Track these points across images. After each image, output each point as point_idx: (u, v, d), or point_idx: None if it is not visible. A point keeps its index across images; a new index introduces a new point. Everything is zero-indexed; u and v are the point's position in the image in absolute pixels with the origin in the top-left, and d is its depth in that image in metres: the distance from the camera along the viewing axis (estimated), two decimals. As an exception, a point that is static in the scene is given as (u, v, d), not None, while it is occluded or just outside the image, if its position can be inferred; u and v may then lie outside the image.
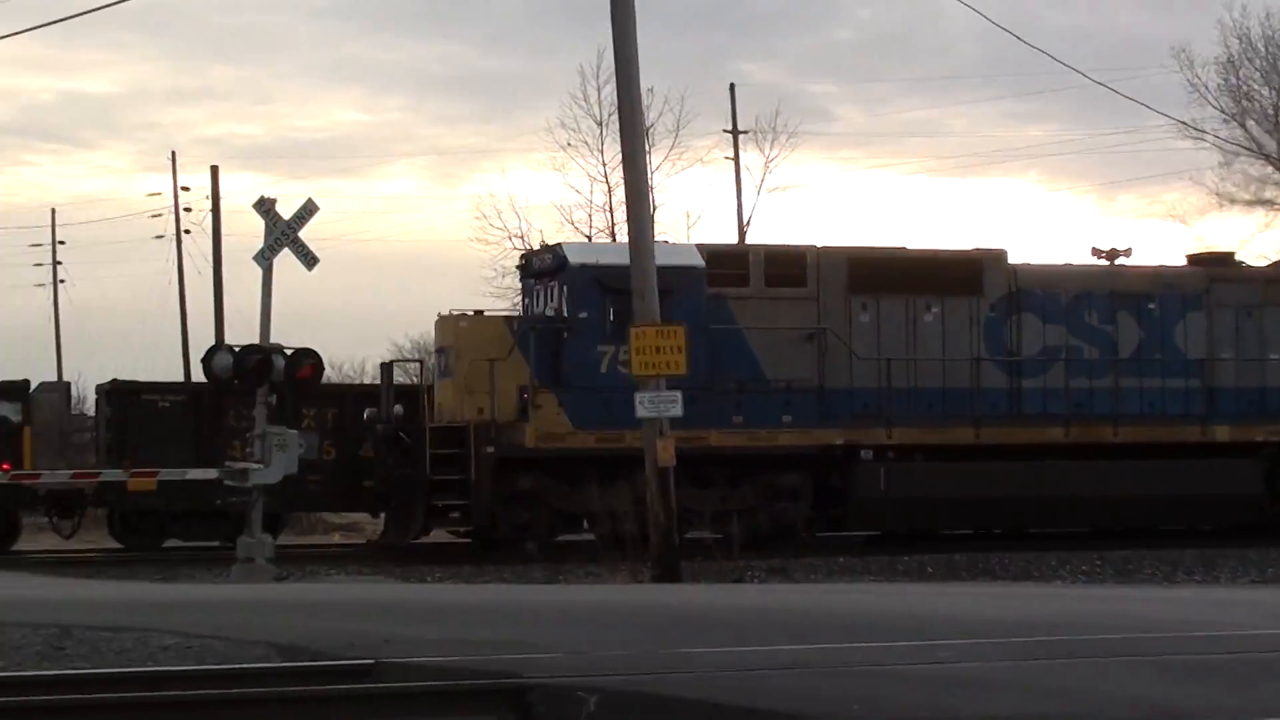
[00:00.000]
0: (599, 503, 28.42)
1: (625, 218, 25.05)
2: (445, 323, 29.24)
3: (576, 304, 28.45)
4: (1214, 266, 32.08)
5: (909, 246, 30.67)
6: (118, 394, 30.69)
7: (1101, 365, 30.40)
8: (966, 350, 29.97)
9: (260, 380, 24.62)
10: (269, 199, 25.02)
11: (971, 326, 30.13)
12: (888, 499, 29.05)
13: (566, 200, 47.47)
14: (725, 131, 53.32)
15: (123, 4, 25.52)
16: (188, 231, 62.39)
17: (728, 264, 29.38)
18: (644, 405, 23.82)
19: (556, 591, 21.28)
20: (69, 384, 49.29)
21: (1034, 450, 29.77)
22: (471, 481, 27.82)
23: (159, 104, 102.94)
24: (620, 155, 25.86)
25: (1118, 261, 31.80)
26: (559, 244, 29.68)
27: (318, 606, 17.16)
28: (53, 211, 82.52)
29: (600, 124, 45.95)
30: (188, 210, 62.94)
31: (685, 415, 27.37)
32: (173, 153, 78.28)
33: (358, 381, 50.63)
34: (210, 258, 56.06)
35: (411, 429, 28.62)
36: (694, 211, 76.48)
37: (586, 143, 46.74)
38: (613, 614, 16.00)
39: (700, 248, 29.87)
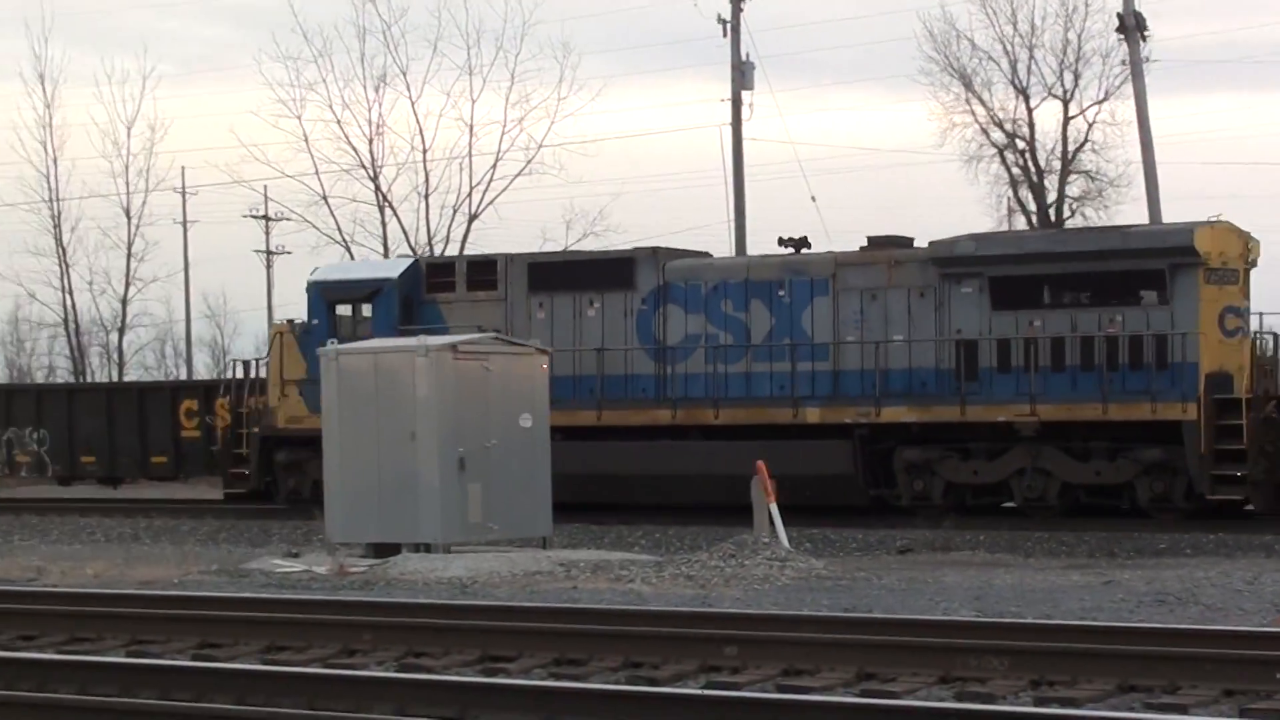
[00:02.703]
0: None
1: None
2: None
3: (311, 312, 35.82)
4: (869, 250, 32.40)
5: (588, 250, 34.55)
6: None
7: (737, 351, 32.58)
8: (622, 341, 33.54)
9: None
10: None
11: (626, 319, 33.54)
12: (523, 475, 33.74)
13: None
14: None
15: None
16: None
17: (441, 273, 35.25)
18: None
19: None
20: None
21: (676, 431, 32.93)
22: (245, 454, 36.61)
23: None
24: None
25: (804, 251, 33.02)
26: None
27: None
28: None
29: None
30: None
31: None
32: None
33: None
34: None
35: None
36: None
37: None
38: None
39: (421, 259, 35.99)
